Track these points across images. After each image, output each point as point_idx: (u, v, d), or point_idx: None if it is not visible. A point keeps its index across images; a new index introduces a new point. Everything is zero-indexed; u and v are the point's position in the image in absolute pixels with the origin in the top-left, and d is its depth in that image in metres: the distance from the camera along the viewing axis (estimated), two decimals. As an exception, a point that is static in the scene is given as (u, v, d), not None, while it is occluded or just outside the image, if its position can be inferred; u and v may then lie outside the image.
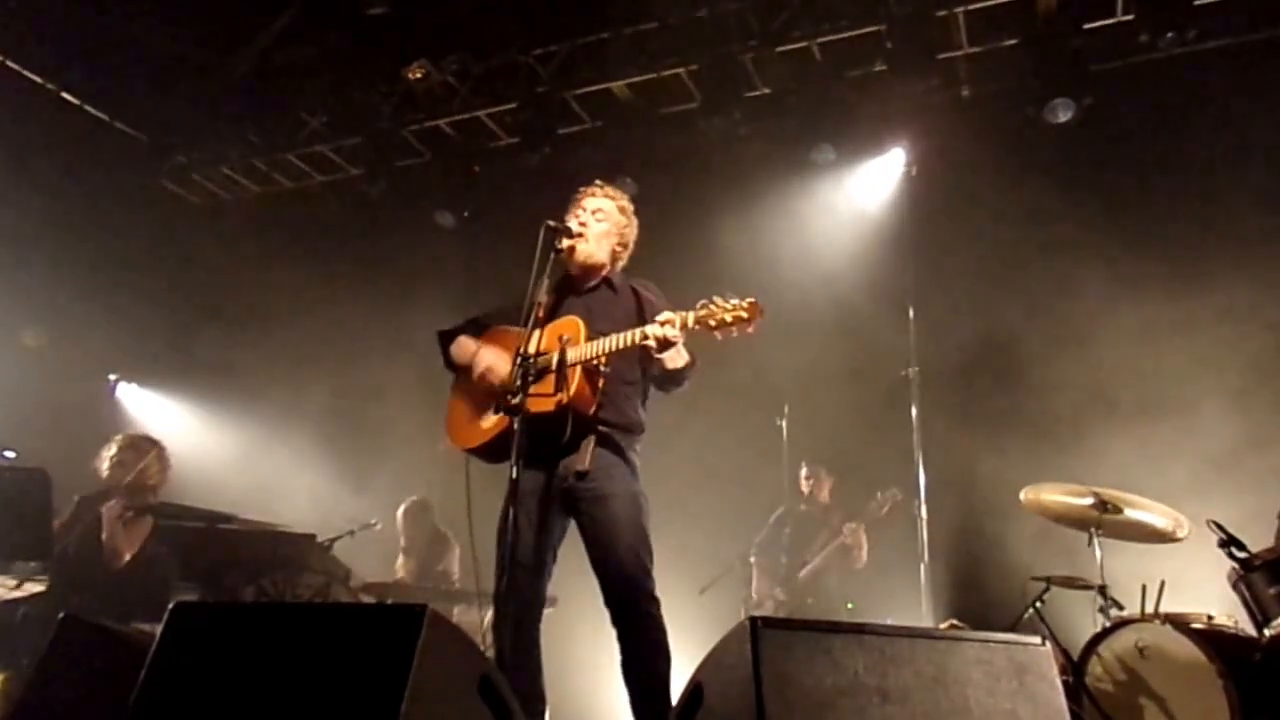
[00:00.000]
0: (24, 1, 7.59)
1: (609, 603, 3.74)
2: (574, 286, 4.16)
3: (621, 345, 3.73)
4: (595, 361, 3.78)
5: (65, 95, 8.61)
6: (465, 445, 4.04)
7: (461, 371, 4.18)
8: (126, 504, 5.72)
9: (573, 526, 3.93)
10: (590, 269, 4.15)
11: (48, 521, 5.34)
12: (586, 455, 3.81)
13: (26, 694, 3.20)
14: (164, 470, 6.03)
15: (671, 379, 3.95)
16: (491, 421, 3.92)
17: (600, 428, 3.85)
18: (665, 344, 3.63)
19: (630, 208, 4.30)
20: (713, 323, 3.56)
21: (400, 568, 7.52)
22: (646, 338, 3.64)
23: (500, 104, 8.22)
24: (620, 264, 4.27)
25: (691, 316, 3.60)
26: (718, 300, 3.58)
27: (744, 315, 3.53)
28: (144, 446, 6.02)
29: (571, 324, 3.89)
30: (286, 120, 8.97)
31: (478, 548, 3.85)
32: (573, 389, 3.71)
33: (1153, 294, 6.42)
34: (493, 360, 3.96)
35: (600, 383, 3.82)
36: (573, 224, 4.10)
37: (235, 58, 8.41)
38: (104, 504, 5.71)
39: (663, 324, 3.62)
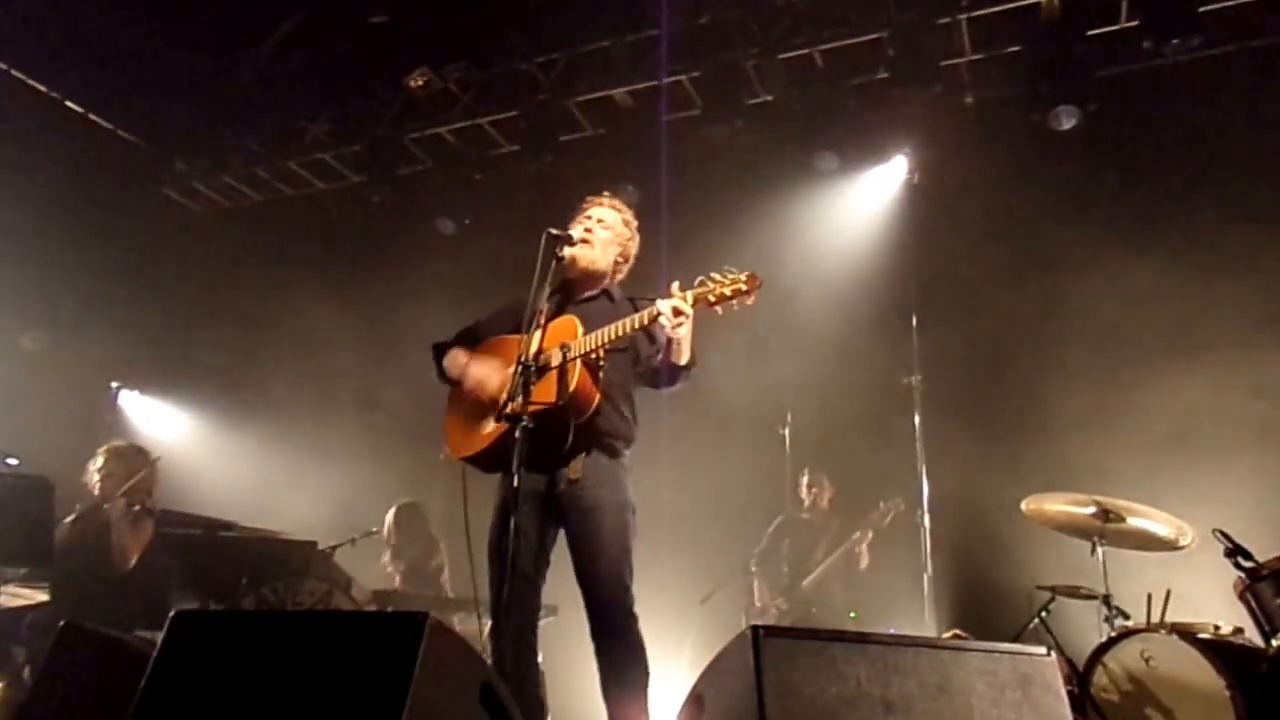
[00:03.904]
0: (27, 10, 7.60)
1: (588, 613, 3.74)
2: (572, 296, 4.13)
3: (630, 329, 3.70)
4: (595, 353, 3.75)
5: (68, 103, 8.63)
6: (462, 453, 3.97)
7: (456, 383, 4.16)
8: (129, 504, 5.70)
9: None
10: (592, 276, 4.12)
11: (49, 529, 5.34)
12: (580, 462, 3.80)
13: (27, 702, 3.20)
14: (154, 475, 6.01)
15: (670, 374, 3.87)
16: (490, 428, 3.86)
17: (595, 435, 3.83)
18: (678, 316, 3.58)
19: (634, 222, 4.27)
20: (713, 297, 3.58)
21: (388, 570, 7.46)
22: (658, 315, 3.60)
23: (502, 111, 8.22)
24: (619, 277, 4.23)
25: (691, 295, 3.60)
26: (715, 275, 3.60)
27: (743, 287, 3.56)
28: (129, 455, 6.00)
29: (568, 323, 3.87)
30: (288, 128, 8.98)
31: (474, 556, 3.83)
32: (573, 385, 3.68)
33: (1158, 301, 6.41)
34: (484, 374, 3.93)
35: (600, 376, 3.78)
36: (576, 231, 4.07)
37: (237, 65, 8.43)
38: (104, 511, 5.70)
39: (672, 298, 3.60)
